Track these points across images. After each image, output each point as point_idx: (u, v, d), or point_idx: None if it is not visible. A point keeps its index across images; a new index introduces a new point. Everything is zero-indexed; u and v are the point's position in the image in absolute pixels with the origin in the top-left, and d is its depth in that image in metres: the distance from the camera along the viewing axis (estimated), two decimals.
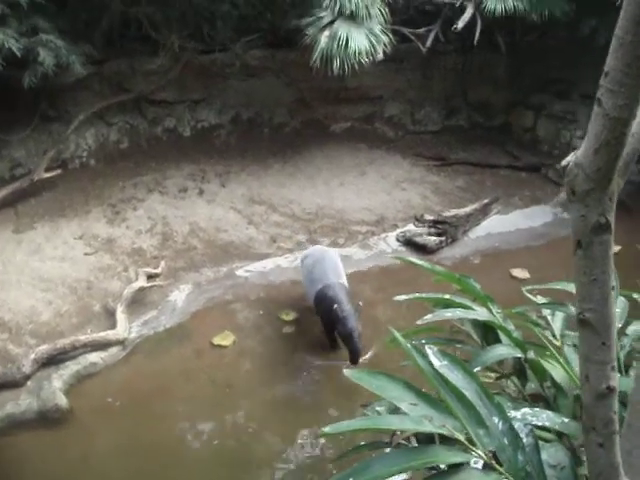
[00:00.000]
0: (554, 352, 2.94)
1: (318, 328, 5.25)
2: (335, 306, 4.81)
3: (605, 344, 1.30)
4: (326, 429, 2.06)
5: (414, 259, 3.09)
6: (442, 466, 2.41)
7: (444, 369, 2.22)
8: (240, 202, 7.19)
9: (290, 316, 5.54)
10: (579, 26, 7.68)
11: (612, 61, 1.10)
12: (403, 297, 3.03)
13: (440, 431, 2.03)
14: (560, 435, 2.48)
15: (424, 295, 3.04)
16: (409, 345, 2.28)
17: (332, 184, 7.61)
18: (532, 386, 3.04)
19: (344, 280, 5.22)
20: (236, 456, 4.27)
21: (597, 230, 1.21)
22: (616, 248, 3.28)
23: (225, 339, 5.23)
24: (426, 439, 2.44)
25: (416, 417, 2.04)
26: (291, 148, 8.26)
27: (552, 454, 2.24)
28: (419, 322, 2.83)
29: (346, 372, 2.24)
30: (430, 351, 2.31)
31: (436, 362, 2.23)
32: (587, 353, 1.34)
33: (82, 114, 7.21)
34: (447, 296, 3.02)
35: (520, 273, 6.13)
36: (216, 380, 4.88)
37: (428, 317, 2.89)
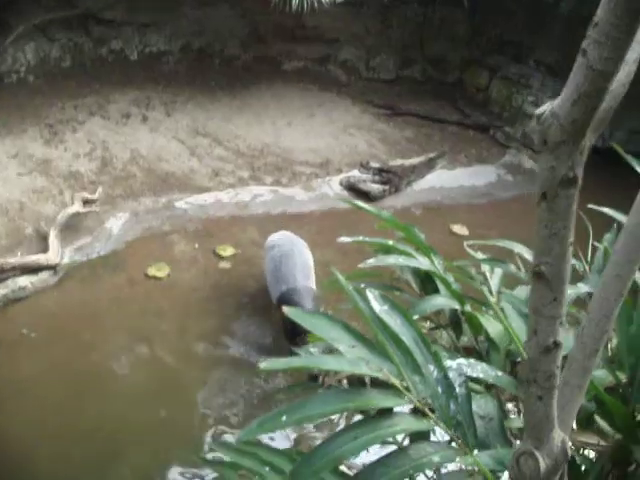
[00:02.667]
0: (493, 307, 2.97)
1: (255, 268, 5.22)
2: None
3: (557, 299, 1.29)
4: (262, 364, 2.03)
5: (361, 203, 3.06)
6: (371, 412, 2.42)
7: (384, 314, 2.21)
8: (184, 133, 7.01)
9: (227, 252, 5.48)
10: None
11: (602, 12, 1.06)
12: (347, 239, 3.00)
13: (376, 374, 2.03)
14: (488, 388, 2.54)
15: (368, 239, 3.02)
16: (350, 287, 2.27)
17: (279, 123, 7.49)
18: (465, 339, 3.09)
19: (312, 281, 4.77)
20: (163, 386, 4.24)
21: (564, 183, 1.18)
22: None
23: (160, 270, 5.14)
24: (358, 383, 2.46)
25: (353, 359, 2.03)
26: (241, 82, 8.07)
27: (481, 405, 2.28)
28: (361, 265, 2.82)
29: (284, 309, 2.21)
30: (371, 295, 2.30)
31: (376, 306, 2.22)
32: (538, 307, 1.33)
33: (22, 25, 6.84)
34: (391, 242, 3.01)
35: (459, 229, 6.20)
36: (148, 311, 4.81)
37: (371, 261, 2.88)
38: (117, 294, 4.95)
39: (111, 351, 4.46)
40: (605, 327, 1.55)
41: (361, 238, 3.02)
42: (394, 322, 2.22)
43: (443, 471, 2.77)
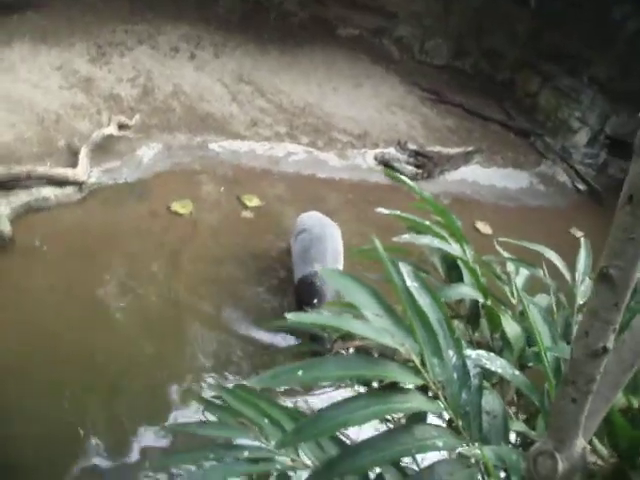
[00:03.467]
0: (513, 307, 2.94)
1: (276, 225, 5.20)
2: (315, 301, 4.27)
3: (617, 305, 1.26)
4: (289, 315, 2.01)
5: (404, 177, 3.02)
6: (375, 384, 2.41)
7: (414, 290, 2.18)
8: (229, 77, 6.94)
9: (252, 202, 5.44)
10: (612, 8, 7.50)
11: None
12: (384, 210, 2.96)
13: (399, 348, 2.01)
14: (492, 386, 2.51)
15: (405, 214, 2.98)
16: (387, 256, 2.24)
17: (325, 87, 7.41)
18: (477, 334, 3.06)
19: (341, 265, 4.55)
20: (165, 321, 4.23)
21: None
22: (579, 233, 3.30)
23: (183, 207, 5.12)
24: (365, 354, 2.44)
25: (379, 328, 2.01)
26: (294, 40, 7.97)
27: (489, 401, 2.26)
28: (395, 239, 2.78)
29: (320, 270, 2.19)
30: (404, 269, 2.27)
31: (408, 281, 2.19)
32: (597, 308, 1.29)
33: None
34: (427, 223, 2.97)
35: (483, 227, 6.14)
36: (164, 244, 4.80)
37: (405, 237, 2.83)
38: (137, 223, 4.94)
39: (120, 278, 4.43)
40: None
41: (398, 212, 2.99)
42: (423, 300, 2.19)
43: (435, 459, 2.76)
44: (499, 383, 2.71)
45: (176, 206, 5.11)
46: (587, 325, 1.32)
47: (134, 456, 3.26)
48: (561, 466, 1.43)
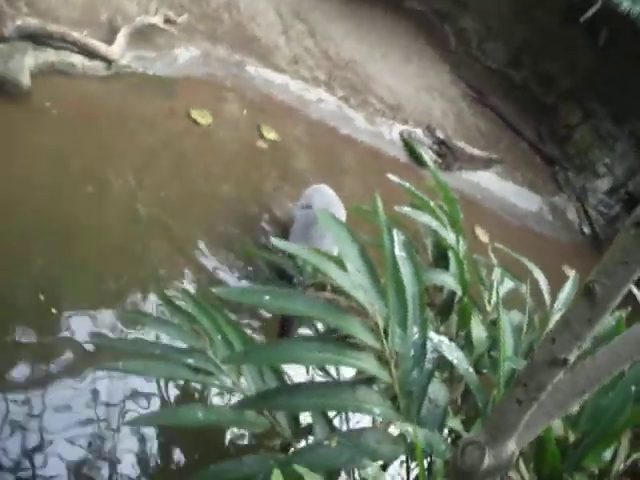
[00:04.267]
0: (489, 313, 2.96)
1: (286, 165, 5.17)
2: (302, 279, 3.82)
3: (591, 321, 1.27)
4: (274, 240, 2.02)
5: (427, 157, 3.02)
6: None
7: (400, 259, 2.19)
8: (286, 9, 6.81)
9: (270, 134, 5.37)
10: None
11: None
12: (396, 179, 2.97)
13: (367, 306, 2.02)
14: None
15: (414, 189, 2.99)
16: (384, 218, 2.24)
17: (376, 51, 7.31)
18: (442, 327, 3.08)
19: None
20: (151, 221, 4.19)
21: None
22: (570, 272, 3.30)
23: (203, 117, 5.04)
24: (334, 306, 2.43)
25: (355, 282, 2.01)
26: None
27: (435, 390, 2.27)
28: (397, 208, 2.79)
29: (316, 211, 2.18)
30: (397, 236, 2.27)
31: (397, 248, 2.20)
32: (570, 320, 1.30)
33: None
34: (432, 204, 2.98)
35: (482, 234, 6.14)
36: (173, 147, 4.75)
37: (406, 209, 2.86)
38: (153, 119, 4.89)
39: (119, 163, 4.39)
40: (603, 380, 1.53)
41: (408, 185, 2.99)
42: (405, 270, 2.19)
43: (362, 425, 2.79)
44: (449, 380, 2.74)
45: (196, 114, 5.04)
46: (556, 333, 1.33)
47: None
48: (487, 460, 1.45)
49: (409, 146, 6.35)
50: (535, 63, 8.84)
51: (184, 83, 5.31)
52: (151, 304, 3.53)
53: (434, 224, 2.83)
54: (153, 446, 3.03)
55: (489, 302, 3.21)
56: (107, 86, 4.89)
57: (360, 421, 2.84)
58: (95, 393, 3.08)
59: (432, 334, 2.30)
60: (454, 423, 2.38)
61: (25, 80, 4.38)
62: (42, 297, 3.32)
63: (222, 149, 5.03)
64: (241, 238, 4.39)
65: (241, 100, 5.54)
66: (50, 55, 4.70)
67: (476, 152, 6.78)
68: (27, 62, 4.48)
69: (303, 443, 2.23)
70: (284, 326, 3.73)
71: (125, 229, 4.03)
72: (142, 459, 3.00)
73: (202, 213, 4.44)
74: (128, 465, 2.95)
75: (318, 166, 5.39)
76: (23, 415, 2.90)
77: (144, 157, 4.55)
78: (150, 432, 3.03)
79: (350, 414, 2.67)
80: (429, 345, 2.24)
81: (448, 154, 6.51)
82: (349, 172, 5.03)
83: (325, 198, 4.59)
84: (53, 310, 3.31)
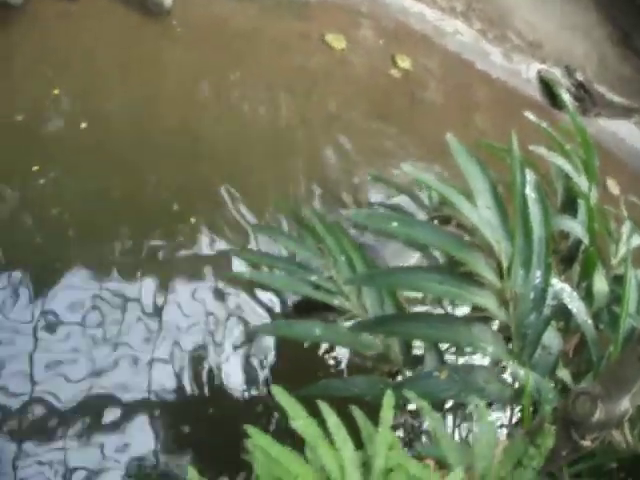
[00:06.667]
0: (614, 267, 2.88)
1: (417, 99, 5.09)
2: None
3: None
4: (405, 166, 2.02)
5: (567, 99, 2.91)
6: None
7: (530, 199, 2.15)
8: None
9: (404, 64, 5.26)
10: None
11: None
12: (533, 117, 2.87)
13: (493, 243, 2.01)
14: None
15: (551, 130, 2.89)
16: (519, 156, 2.20)
17: None
18: (563, 276, 3.01)
19: None
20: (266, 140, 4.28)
21: None
22: None
23: (337, 42, 5.01)
24: None
25: (484, 217, 2.00)
26: None
27: (550, 337, 2.22)
28: (532, 147, 2.70)
29: (448, 138, 2.18)
30: (529, 176, 2.23)
31: (528, 188, 2.16)
32: None
33: None
34: (568, 146, 2.88)
35: (613, 187, 5.87)
36: (302, 67, 4.79)
37: (542, 149, 2.75)
38: (286, 40, 4.90)
39: (248, 83, 4.47)
40: None
41: (544, 125, 2.89)
42: (534, 212, 2.16)
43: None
44: (564, 330, 2.69)
45: (330, 38, 5.00)
46: None
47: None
48: (598, 413, 1.44)
49: (547, 86, 6.09)
50: None
51: (318, 7, 5.25)
52: (281, 221, 3.65)
53: (568, 168, 2.73)
54: (265, 360, 3.14)
55: (615, 256, 3.10)
56: (242, 6, 4.92)
57: (468, 361, 2.85)
58: (217, 301, 3.23)
59: (554, 280, 2.26)
60: (563, 374, 2.34)
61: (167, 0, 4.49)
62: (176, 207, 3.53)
63: (351, 75, 4.99)
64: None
65: (376, 27, 5.43)
66: None
67: (617, 99, 6.42)
68: None
69: (411, 373, 2.28)
70: None
71: (263, 149, 4.15)
72: (249, 373, 3.12)
73: (331, 138, 4.48)
74: (237, 378, 3.09)
75: (449, 99, 5.29)
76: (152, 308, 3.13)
77: (274, 78, 4.62)
78: (267, 345, 3.16)
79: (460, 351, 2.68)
80: (550, 291, 2.20)
81: (586, 98, 6.20)
82: (480, 109, 4.90)
83: None
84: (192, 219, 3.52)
